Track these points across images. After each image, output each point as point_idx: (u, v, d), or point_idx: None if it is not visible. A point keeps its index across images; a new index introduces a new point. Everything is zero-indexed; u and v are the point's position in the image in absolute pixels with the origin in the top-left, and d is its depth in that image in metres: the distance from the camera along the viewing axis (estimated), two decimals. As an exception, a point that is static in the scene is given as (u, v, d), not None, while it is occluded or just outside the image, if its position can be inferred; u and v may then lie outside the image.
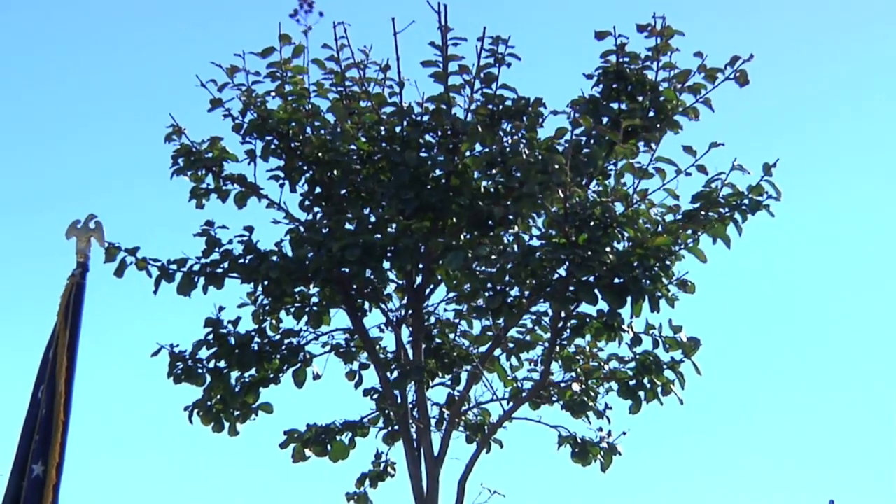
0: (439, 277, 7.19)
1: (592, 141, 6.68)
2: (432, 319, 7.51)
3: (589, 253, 6.29)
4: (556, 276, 6.53)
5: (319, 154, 7.08)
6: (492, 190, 6.96)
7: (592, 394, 7.09)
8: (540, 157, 6.52)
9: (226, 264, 6.90)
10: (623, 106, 6.91)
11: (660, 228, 6.52)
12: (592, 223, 6.37)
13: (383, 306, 7.27)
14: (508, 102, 6.96)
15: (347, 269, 6.80)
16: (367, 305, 7.25)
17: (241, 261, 6.90)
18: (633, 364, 6.92)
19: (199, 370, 7.01)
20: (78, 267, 6.76)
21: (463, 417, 7.40)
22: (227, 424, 7.17)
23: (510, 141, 6.79)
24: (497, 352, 7.32)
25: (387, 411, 7.37)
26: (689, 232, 6.50)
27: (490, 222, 6.92)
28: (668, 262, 6.39)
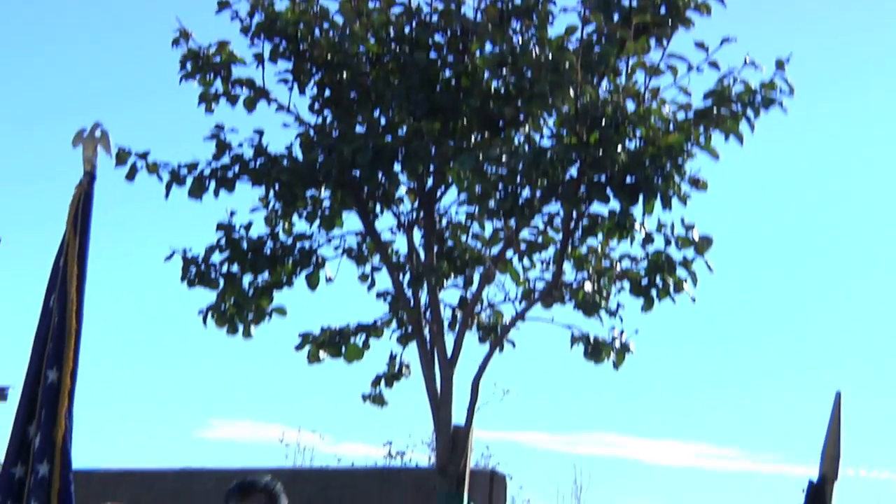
0: (451, 179, 7.17)
1: (603, 39, 6.61)
2: (444, 222, 7.50)
3: (601, 152, 6.27)
4: (568, 176, 6.52)
5: (328, 56, 7.03)
6: (502, 90, 6.90)
7: (605, 293, 7.09)
8: (550, 56, 6.46)
9: (237, 167, 6.90)
10: (634, 2, 6.82)
11: (671, 127, 6.49)
12: (604, 122, 6.34)
13: (395, 209, 7.27)
14: (518, 1, 6.89)
15: (359, 173, 6.79)
16: (378, 208, 7.25)
17: (252, 164, 6.91)
18: (644, 263, 6.92)
19: (213, 275, 7.04)
20: (85, 175, 6.74)
21: (476, 318, 7.43)
22: (240, 327, 7.22)
23: (520, 40, 6.73)
24: (509, 253, 7.32)
25: (400, 313, 7.41)
26: (701, 129, 6.46)
27: (501, 123, 6.88)
28: (680, 160, 6.36)
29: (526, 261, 7.45)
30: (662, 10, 6.76)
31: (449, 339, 7.08)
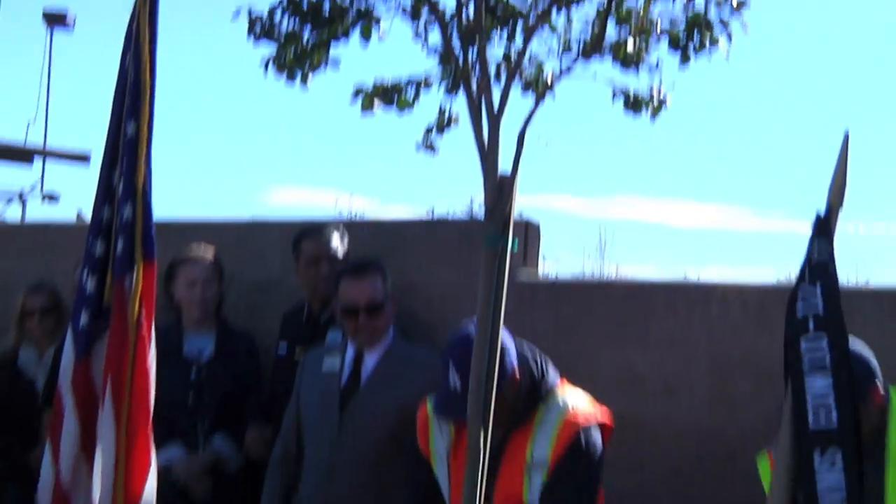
0: (498, -63, 7.42)
1: None
2: (491, -20, 7.76)
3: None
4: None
5: None
6: None
7: (645, 49, 7.43)
8: None
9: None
10: None
11: None
12: None
13: (445, -33, 7.54)
14: None
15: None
16: (428, -33, 7.51)
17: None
18: (684, 24, 7.25)
19: (276, 33, 7.43)
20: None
21: (520, 73, 7.79)
22: (298, 76, 7.63)
23: None
24: (552, 12, 7.62)
25: (449, 68, 7.79)
26: None
27: None
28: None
29: (564, 18, 7.76)
30: None
31: (495, 94, 7.46)
